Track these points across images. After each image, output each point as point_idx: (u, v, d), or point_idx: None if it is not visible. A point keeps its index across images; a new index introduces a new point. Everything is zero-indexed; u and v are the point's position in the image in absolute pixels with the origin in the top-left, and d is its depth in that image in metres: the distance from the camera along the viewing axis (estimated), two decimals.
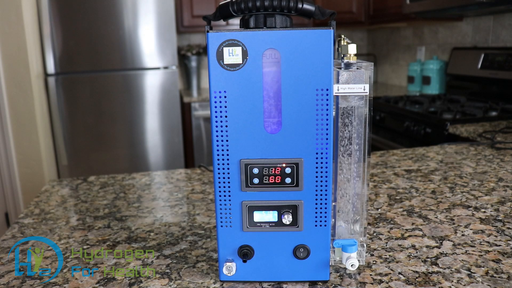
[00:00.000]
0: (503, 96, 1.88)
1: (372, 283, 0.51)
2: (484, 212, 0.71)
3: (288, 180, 0.48)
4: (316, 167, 0.48)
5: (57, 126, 2.37)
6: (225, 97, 0.46)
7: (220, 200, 0.50)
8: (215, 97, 0.46)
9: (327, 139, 0.47)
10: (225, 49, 0.45)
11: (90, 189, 0.92)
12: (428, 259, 0.56)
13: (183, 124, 2.57)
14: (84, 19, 2.32)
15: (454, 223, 0.67)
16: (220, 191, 0.49)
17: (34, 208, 0.81)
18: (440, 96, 2.11)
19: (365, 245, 0.54)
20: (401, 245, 0.60)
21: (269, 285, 0.52)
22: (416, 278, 0.52)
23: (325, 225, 0.50)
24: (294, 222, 0.49)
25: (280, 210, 0.49)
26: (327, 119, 0.46)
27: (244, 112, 0.47)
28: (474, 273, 0.52)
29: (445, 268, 0.54)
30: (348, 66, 0.48)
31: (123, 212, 0.77)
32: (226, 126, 0.47)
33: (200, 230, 0.68)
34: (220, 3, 0.46)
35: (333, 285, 0.51)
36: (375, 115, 2.02)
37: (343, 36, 0.50)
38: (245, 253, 0.50)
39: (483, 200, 0.76)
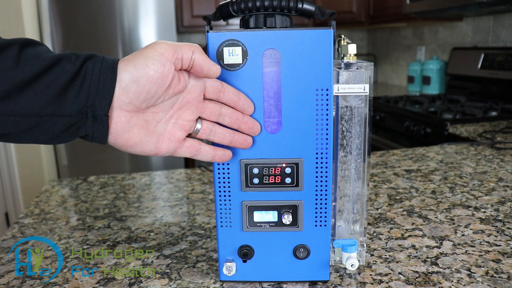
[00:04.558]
0: (503, 96, 1.88)
1: (372, 283, 0.51)
2: (484, 212, 0.71)
3: (288, 180, 0.48)
4: (316, 167, 0.48)
5: None
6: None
7: (220, 200, 0.50)
8: None
9: (327, 139, 0.47)
10: (225, 49, 0.45)
11: (90, 189, 0.92)
12: (428, 259, 0.56)
13: None
14: (84, 19, 2.32)
15: (454, 223, 0.67)
16: (220, 191, 0.49)
17: (34, 208, 0.81)
18: (440, 96, 2.11)
19: (365, 245, 0.54)
20: (401, 245, 0.60)
21: (269, 285, 0.52)
22: (416, 278, 0.52)
23: (325, 225, 0.50)
24: (294, 222, 0.49)
25: (280, 210, 0.49)
26: (327, 119, 0.46)
27: None
28: (474, 273, 0.52)
29: (445, 268, 0.54)
30: (348, 66, 0.48)
31: (123, 212, 0.77)
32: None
33: (200, 230, 0.68)
34: (220, 3, 0.46)
35: (333, 285, 0.51)
36: (375, 115, 2.02)
37: (343, 36, 0.50)
38: (245, 253, 0.50)
39: (483, 200, 0.76)
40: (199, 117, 0.45)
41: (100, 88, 0.38)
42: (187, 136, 0.45)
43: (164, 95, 0.41)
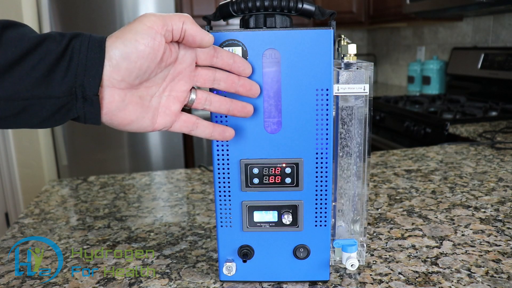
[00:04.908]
0: (503, 96, 1.88)
1: (372, 283, 0.51)
2: (484, 212, 0.71)
3: (288, 180, 0.48)
4: (316, 167, 0.48)
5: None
6: (224, 97, 0.46)
7: (220, 200, 0.50)
8: None
9: (327, 139, 0.47)
10: (225, 49, 0.45)
11: (90, 189, 0.92)
12: (428, 259, 0.56)
13: None
14: (84, 19, 2.32)
15: (454, 223, 0.67)
16: (220, 191, 0.49)
17: (34, 208, 0.81)
18: (440, 96, 2.11)
19: (365, 245, 0.54)
20: (401, 245, 0.60)
21: (269, 285, 0.52)
22: (416, 278, 0.52)
23: (325, 225, 0.50)
24: (294, 222, 0.49)
25: (280, 210, 0.49)
26: (327, 119, 0.46)
27: None
28: (474, 273, 0.52)
29: (445, 268, 0.54)
30: (348, 66, 0.48)
31: (123, 212, 0.77)
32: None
33: (200, 230, 0.68)
34: (220, 3, 0.46)
35: (333, 285, 0.51)
36: (375, 115, 2.02)
37: (343, 36, 0.50)
38: (245, 253, 0.50)
39: (483, 200, 0.76)
40: (193, 88, 0.44)
41: (88, 67, 0.37)
42: (183, 110, 0.44)
43: (156, 69, 0.40)
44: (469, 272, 0.52)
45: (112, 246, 0.63)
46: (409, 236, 0.63)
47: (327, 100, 0.46)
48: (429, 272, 0.53)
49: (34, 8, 2.23)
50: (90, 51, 0.37)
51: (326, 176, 0.48)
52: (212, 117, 0.47)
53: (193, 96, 0.44)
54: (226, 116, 0.47)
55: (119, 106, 0.39)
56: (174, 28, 0.39)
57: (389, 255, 0.57)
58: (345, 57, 0.49)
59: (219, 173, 0.49)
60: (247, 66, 0.44)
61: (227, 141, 0.47)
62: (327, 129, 0.47)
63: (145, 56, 0.38)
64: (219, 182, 0.49)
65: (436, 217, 0.69)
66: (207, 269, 0.55)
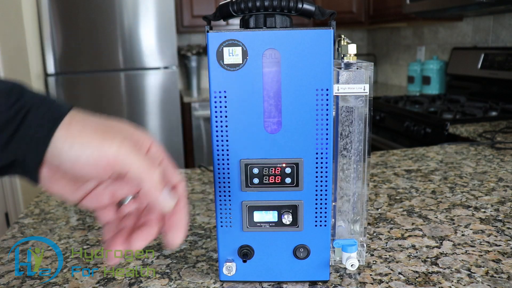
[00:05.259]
0: (503, 96, 1.88)
1: (372, 283, 0.51)
2: (484, 212, 0.71)
3: (288, 180, 0.48)
4: (316, 167, 0.48)
5: None
6: (225, 97, 0.46)
7: (220, 200, 0.50)
8: (215, 97, 0.46)
9: (327, 139, 0.47)
10: (225, 49, 0.45)
11: None
12: (428, 259, 0.56)
13: (183, 124, 2.57)
14: (84, 19, 2.32)
15: (454, 223, 0.67)
16: (220, 191, 0.49)
17: (34, 208, 0.81)
18: (440, 96, 2.11)
19: (365, 245, 0.54)
20: (401, 245, 0.60)
21: (269, 285, 0.52)
22: (416, 278, 0.52)
23: (325, 225, 0.50)
24: (294, 222, 0.49)
25: (280, 210, 0.49)
26: (327, 119, 0.46)
27: (244, 112, 0.47)
28: (474, 273, 0.52)
29: (445, 268, 0.54)
30: (348, 66, 0.48)
31: None
32: (226, 126, 0.47)
33: (200, 230, 0.68)
34: (220, 3, 0.47)
35: (333, 285, 0.51)
36: (375, 115, 2.02)
37: (343, 36, 0.50)
38: (245, 253, 0.50)
39: (483, 200, 0.76)
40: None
41: (31, 148, 0.32)
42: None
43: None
44: (469, 272, 0.52)
45: None
46: (409, 236, 0.63)
47: (327, 100, 0.46)
48: (429, 272, 0.53)
49: (34, 8, 2.23)
50: (40, 129, 0.32)
51: (326, 176, 0.48)
52: (211, 116, 0.47)
53: (127, 200, 0.39)
54: (226, 117, 0.47)
55: (47, 178, 0.35)
56: (130, 173, 0.33)
57: (389, 255, 0.57)
58: (345, 57, 0.49)
59: (219, 173, 0.49)
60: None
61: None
62: (327, 129, 0.47)
63: (86, 174, 0.34)
64: (219, 182, 0.49)
65: (436, 217, 0.69)
66: (207, 269, 0.55)
